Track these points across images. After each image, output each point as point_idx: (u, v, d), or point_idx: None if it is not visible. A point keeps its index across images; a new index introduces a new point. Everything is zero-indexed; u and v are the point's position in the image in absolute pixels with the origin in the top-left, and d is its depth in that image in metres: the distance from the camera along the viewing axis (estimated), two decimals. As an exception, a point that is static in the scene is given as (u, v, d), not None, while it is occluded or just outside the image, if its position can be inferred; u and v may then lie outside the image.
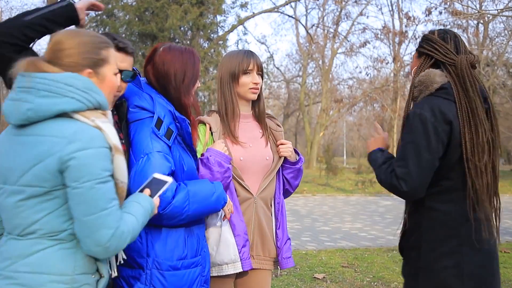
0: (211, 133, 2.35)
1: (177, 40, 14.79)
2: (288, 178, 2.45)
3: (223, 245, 2.22)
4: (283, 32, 61.09)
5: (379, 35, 19.57)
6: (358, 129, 30.23)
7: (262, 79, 2.41)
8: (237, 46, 15.23)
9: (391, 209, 11.55)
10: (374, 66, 20.09)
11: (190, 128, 2.11)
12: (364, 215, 10.38)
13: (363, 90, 21.65)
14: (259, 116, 2.43)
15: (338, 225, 8.94)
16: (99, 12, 14.45)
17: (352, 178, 19.69)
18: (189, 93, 2.10)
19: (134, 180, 1.88)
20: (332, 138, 35.03)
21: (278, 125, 2.50)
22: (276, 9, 19.77)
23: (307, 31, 21.54)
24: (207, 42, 14.61)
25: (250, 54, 2.38)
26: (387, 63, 18.97)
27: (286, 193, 2.52)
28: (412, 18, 16.43)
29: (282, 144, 2.41)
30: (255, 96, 2.38)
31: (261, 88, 2.41)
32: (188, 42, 14.26)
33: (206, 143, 2.33)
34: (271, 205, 2.43)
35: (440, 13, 16.55)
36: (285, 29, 40.99)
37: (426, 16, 16.44)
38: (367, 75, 20.37)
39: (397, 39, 20.55)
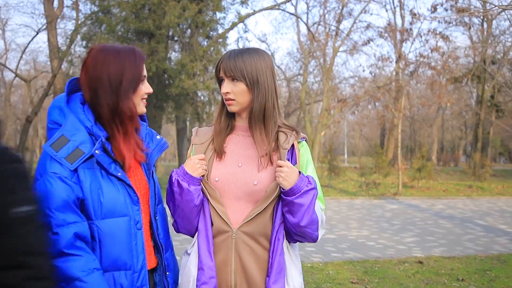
0: (193, 146, 1.99)
1: (175, 38, 14.35)
2: (283, 211, 1.88)
3: (185, 277, 1.91)
4: (284, 30, 60.38)
5: (383, 33, 19.10)
6: (362, 129, 29.82)
7: (252, 86, 1.90)
8: (237, 44, 14.80)
9: (398, 214, 11.12)
10: (377, 65, 19.67)
11: (112, 143, 1.74)
12: (370, 221, 9.94)
13: (365, 89, 21.24)
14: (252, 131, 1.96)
15: (344, 232, 8.50)
16: (95, 10, 14.03)
17: (355, 178, 19.28)
18: (128, 97, 1.73)
19: None
20: (333, 137, 34.62)
21: (289, 141, 1.95)
22: (277, 7, 19.33)
23: (308, 29, 21.09)
24: (207, 40, 14.15)
25: (221, 57, 1.95)
26: (391, 62, 18.52)
27: (293, 235, 1.92)
28: (417, 15, 15.99)
29: (278, 166, 1.87)
30: (230, 109, 1.94)
31: (254, 96, 1.90)
32: (187, 40, 13.81)
33: (189, 157, 1.98)
34: (270, 243, 1.90)
35: (446, 10, 16.16)
36: (286, 27, 40.41)
37: (431, 13, 16.06)
38: (371, 73, 19.94)
39: (399, 37, 20.13)
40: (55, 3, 17.26)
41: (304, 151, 2.00)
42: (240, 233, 1.88)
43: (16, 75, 22.31)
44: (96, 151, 1.65)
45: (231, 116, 2.02)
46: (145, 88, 1.81)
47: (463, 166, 31.84)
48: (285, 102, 32.90)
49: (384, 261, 6.23)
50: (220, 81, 1.97)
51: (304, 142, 2.02)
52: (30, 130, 20.92)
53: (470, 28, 21.06)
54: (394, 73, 20.33)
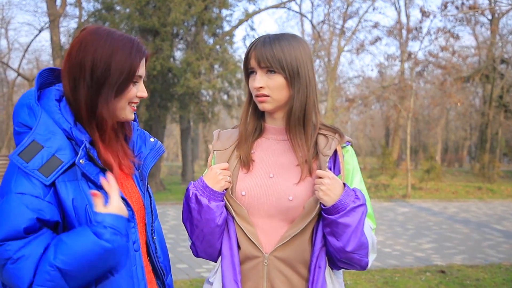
0: (214, 153, 1.67)
1: (180, 37, 14.04)
2: (325, 233, 1.53)
3: None
4: (288, 30, 60.06)
5: (392, 31, 18.76)
6: (367, 129, 29.48)
7: (291, 79, 1.56)
8: (244, 42, 14.48)
9: (410, 218, 10.77)
10: (385, 64, 19.36)
11: (97, 151, 1.38)
12: (383, 225, 9.60)
13: (371, 89, 20.92)
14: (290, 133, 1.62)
15: (357, 237, 8.17)
16: (98, 7, 13.73)
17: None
18: (109, 98, 1.36)
19: None
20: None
21: (330, 145, 1.60)
22: (282, 5, 19.04)
23: (313, 27, 20.77)
24: (213, 38, 13.82)
25: (252, 44, 1.61)
26: (400, 61, 18.19)
27: (337, 262, 1.57)
28: (427, 13, 15.65)
29: (317, 177, 1.53)
30: (263, 107, 1.59)
31: (295, 91, 1.57)
32: (192, 38, 13.48)
33: (209, 166, 1.66)
34: (309, 271, 1.56)
35: (457, 8, 15.82)
36: (290, 26, 40.00)
37: (442, 10, 15.73)
38: (379, 72, 19.61)
39: (406, 35, 19.82)
40: (58, 1, 16.99)
41: (349, 158, 1.65)
42: (273, 259, 1.55)
43: (19, 74, 22.07)
44: (81, 161, 1.30)
45: (260, 116, 1.68)
46: (139, 91, 1.42)
47: (467, 167, 31.45)
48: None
49: (403, 270, 5.88)
50: (248, 73, 1.63)
51: (349, 147, 1.66)
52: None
53: (481, 26, 20.69)
54: (400, 72, 20.03)
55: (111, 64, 1.34)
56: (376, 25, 19.54)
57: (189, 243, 1.68)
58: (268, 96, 1.57)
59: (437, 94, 23.23)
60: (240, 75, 13.43)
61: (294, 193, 1.56)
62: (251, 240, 1.56)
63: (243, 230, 1.57)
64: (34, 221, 1.25)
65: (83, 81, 1.34)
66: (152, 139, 1.61)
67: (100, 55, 1.34)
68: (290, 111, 1.58)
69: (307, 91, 1.58)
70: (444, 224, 9.97)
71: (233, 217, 1.59)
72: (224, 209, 1.59)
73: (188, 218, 1.60)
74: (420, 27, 17.03)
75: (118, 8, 13.37)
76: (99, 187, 1.34)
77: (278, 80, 1.56)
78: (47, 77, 1.43)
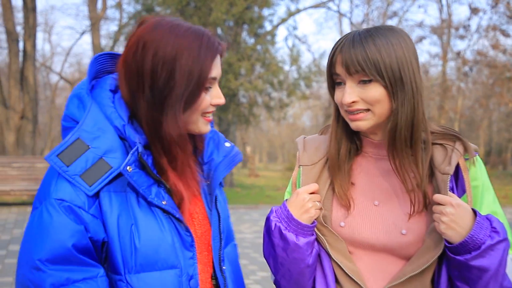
0: (300, 168, 1.33)
1: (221, 36, 13.91)
2: (452, 276, 1.19)
3: None
4: (325, 31, 60.44)
5: (437, 30, 18.14)
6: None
7: (393, 88, 1.18)
8: (286, 42, 14.22)
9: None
10: (426, 65, 18.75)
11: (157, 165, 1.09)
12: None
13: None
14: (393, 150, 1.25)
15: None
16: (139, 9, 13.76)
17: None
18: (177, 113, 1.07)
19: (21, 256, 1.02)
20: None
21: (450, 159, 1.22)
22: (323, 5, 18.76)
23: (353, 27, 20.34)
24: (254, 38, 13.63)
25: (337, 44, 1.23)
26: (447, 61, 17.55)
27: None
28: (476, 10, 14.98)
29: (436, 202, 1.18)
30: (357, 126, 1.24)
31: (398, 103, 1.19)
32: (233, 38, 13.33)
33: (294, 183, 1.33)
34: None
35: (508, 3, 15.11)
36: (329, 27, 39.66)
37: (492, 7, 15.04)
38: (424, 73, 19.02)
39: (448, 33, 19.12)
40: (99, 4, 17.20)
41: (475, 173, 1.26)
42: None
43: (61, 77, 22.58)
44: (128, 168, 1.01)
45: (353, 132, 1.31)
46: (212, 97, 1.12)
47: (512, 169, 30.09)
48: (326, 103, 32.19)
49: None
50: (333, 83, 1.26)
51: (476, 157, 1.27)
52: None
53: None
54: (442, 72, 19.39)
55: (175, 70, 1.05)
56: (421, 24, 18.94)
57: (272, 278, 1.37)
58: (366, 110, 1.21)
59: (482, 94, 22.36)
60: (282, 76, 13.14)
61: (408, 226, 1.22)
62: (354, 280, 1.23)
63: (341, 268, 1.25)
64: (83, 235, 0.99)
65: (141, 94, 1.07)
66: (227, 144, 1.29)
67: (161, 59, 1.05)
68: (394, 130, 1.21)
69: (414, 101, 1.20)
70: (501, 232, 9.36)
71: (326, 251, 1.26)
72: (316, 243, 1.27)
73: (271, 254, 1.28)
74: (468, 25, 16.35)
75: (158, 9, 13.36)
76: (150, 204, 1.06)
77: (376, 90, 1.19)
78: (105, 64, 1.15)
